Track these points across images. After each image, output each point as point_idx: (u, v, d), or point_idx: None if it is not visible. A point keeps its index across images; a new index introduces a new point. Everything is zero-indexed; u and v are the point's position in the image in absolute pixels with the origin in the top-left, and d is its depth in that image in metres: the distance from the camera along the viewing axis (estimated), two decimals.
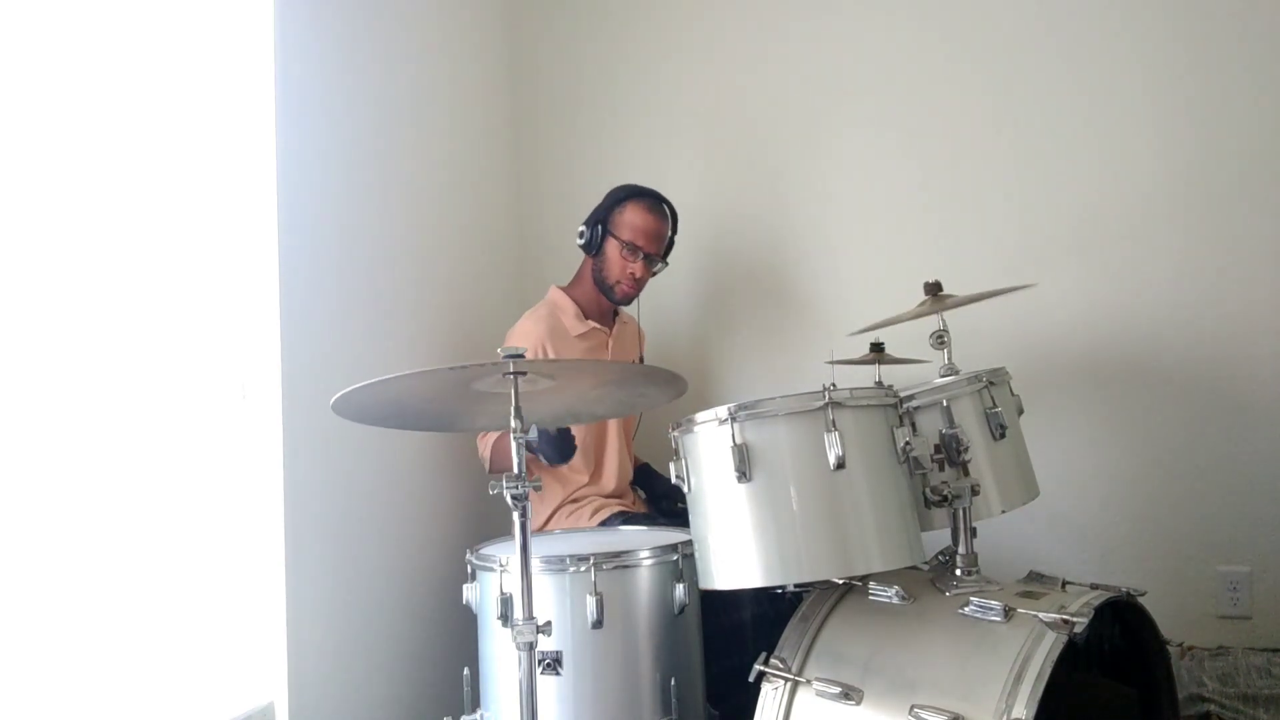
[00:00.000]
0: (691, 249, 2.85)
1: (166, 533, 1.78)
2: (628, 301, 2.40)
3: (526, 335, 2.26)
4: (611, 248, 2.32)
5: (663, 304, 2.88)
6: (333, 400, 1.43)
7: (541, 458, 2.03)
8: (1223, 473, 2.44)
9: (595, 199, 2.45)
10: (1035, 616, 1.45)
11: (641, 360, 2.52)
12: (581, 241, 2.34)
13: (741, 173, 2.84)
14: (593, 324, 2.38)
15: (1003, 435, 1.76)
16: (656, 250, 2.36)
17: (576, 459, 2.24)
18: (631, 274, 2.33)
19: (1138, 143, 2.51)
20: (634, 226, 2.31)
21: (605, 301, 2.41)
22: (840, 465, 1.49)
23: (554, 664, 1.64)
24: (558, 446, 1.99)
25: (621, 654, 1.69)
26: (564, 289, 2.42)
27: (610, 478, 2.38)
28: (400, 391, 1.47)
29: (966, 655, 1.46)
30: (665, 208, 2.38)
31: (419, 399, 1.57)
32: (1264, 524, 2.40)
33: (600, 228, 2.32)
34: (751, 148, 2.83)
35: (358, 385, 1.39)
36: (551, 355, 2.25)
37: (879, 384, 2.03)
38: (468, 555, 1.81)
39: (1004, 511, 1.77)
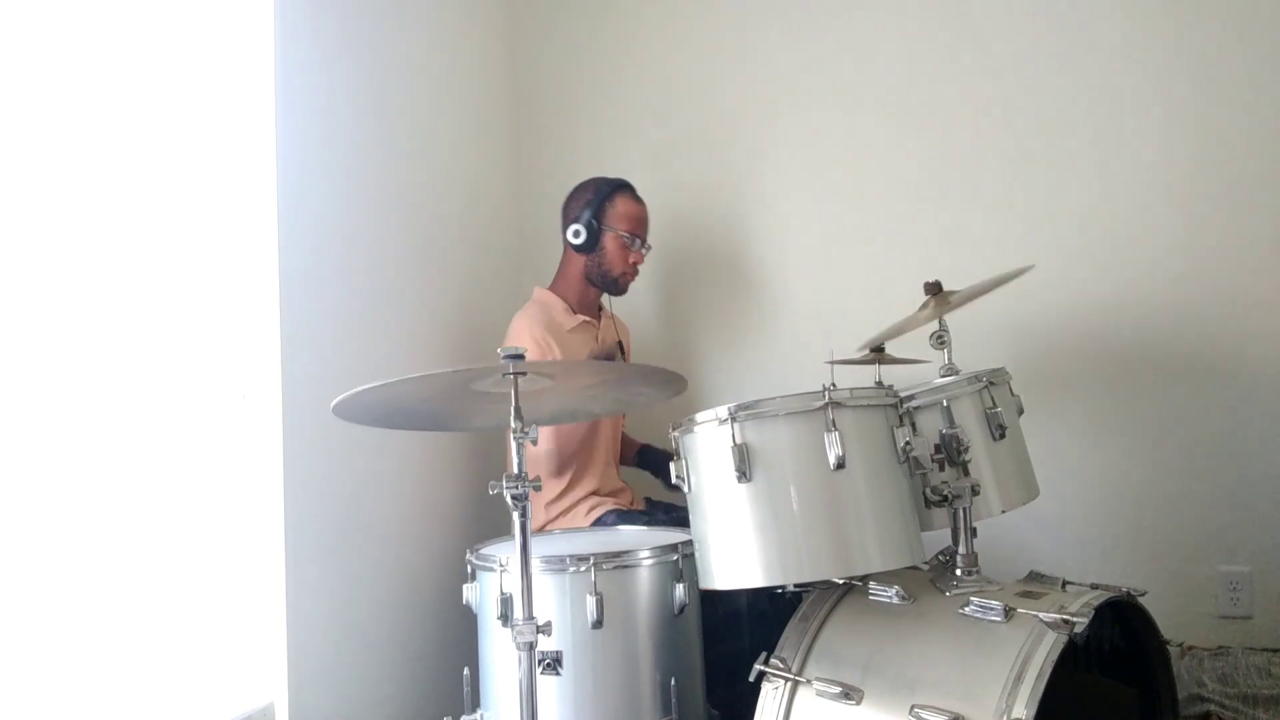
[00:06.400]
0: (690, 249, 2.85)
1: (167, 534, 1.78)
2: (626, 290, 2.45)
3: (522, 333, 2.28)
4: (611, 241, 2.35)
5: (662, 304, 2.89)
6: (333, 404, 1.43)
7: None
8: (1223, 473, 2.43)
9: None
10: (1035, 616, 1.45)
11: (622, 349, 2.53)
12: (579, 240, 2.34)
13: (740, 172, 2.84)
14: (582, 317, 2.41)
15: (1003, 435, 1.76)
16: (647, 235, 2.42)
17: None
18: (634, 263, 2.39)
19: (1136, 141, 2.51)
20: (630, 217, 2.37)
21: (592, 295, 2.44)
22: (840, 465, 1.49)
23: (554, 664, 1.64)
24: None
25: (621, 654, 1.69)
26: (549, 288, 2.43)
27: (598, 473, 2.38)
28: (400, 393, 1.47)
29: (966, 655, 1.46)
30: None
31: (419, 400, 1.57)
32: (1264, 524, 2.40)
33: (595, 223, 2.34)
34: (750, 147, 2.83)
35: (357, 390, 1.39)
36: (554, 347, 2.26)
37: (879, 384, 2.03)
38: (468, 555, 1.81)
39: (1004, 511, 1.77)
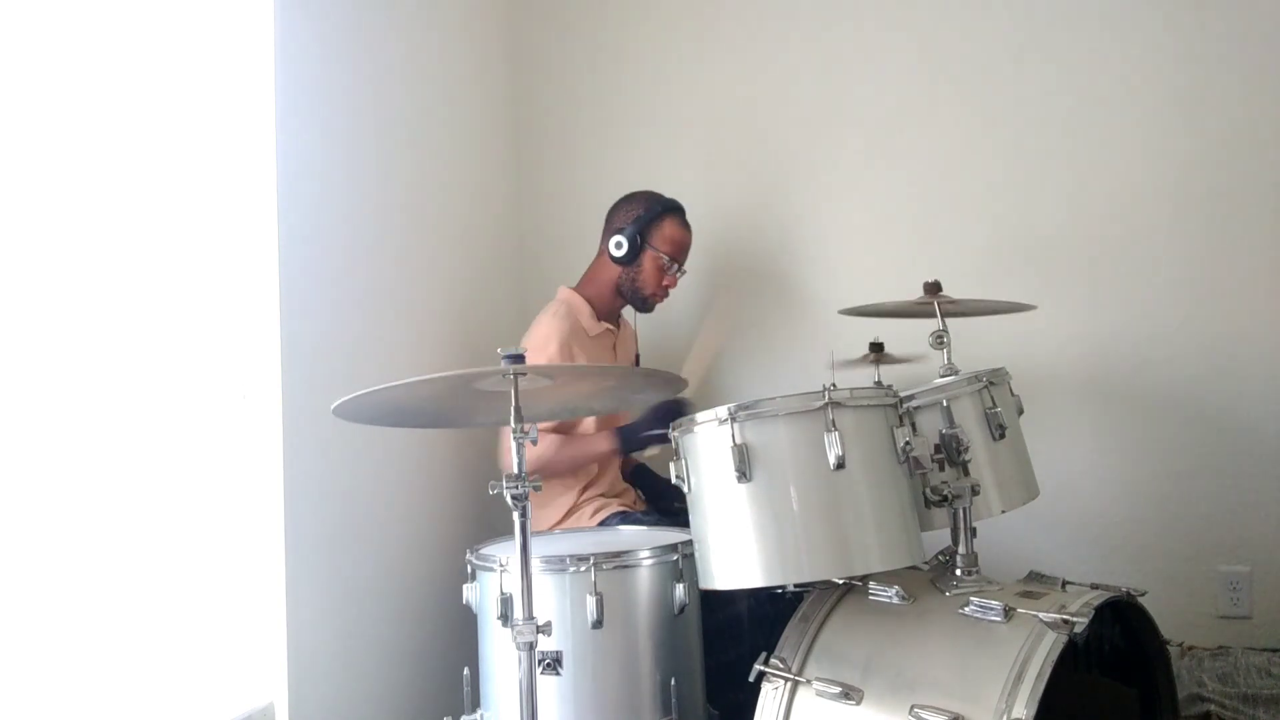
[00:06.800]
0: (692, 251, 2.85)
1: (167, 534, 1.78)
2: (653, 310, 2.47)
3: (550, 335, 2.27)
4: (650, 260, 2.36)
5: (663, 305, 2.88)
6: (334, 406, 1.43)
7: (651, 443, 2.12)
8: (1222, 473, 2.44)
9: (596, 200, 2.45)
10: (1035, 616, 1.45)
11: (638, 359, 2.54)
12: (620, 253, 2.34)
13: (741, 175, 2.84)
14: (605, 325, 2.41)
15: (1003, 435, 1.76)
16: (685, 260, 2.43)
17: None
18: (667, 286, 2.41)
19: (1136, 146, 2.51)
20: (674, 241, 2.38)
21: (617, 305, 2.45)
22: (840, 465, 1.49)
23: (554, 664, 1.64)
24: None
25: (621, 654, 1.69)
26: (575, 289, 2.43)
27: (608, 474, 2.39)
28: (401, 394, 1.47)
29: (966, 655, 1.46)
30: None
31: (420, 399, 1.57)
32: (1264, 524, 2.40)
33: (639, 239, 2.35)
34: (752, 150, 2.83)
35: (358, 393, 1.40)
36: (577, 354, 2.25)
37: (879, 384, 2.04)
38: (468, 555, 1.81)
39: (1004, 511, 1.77)
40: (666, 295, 2.43)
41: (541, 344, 2.24)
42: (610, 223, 2.41)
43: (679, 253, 2.39)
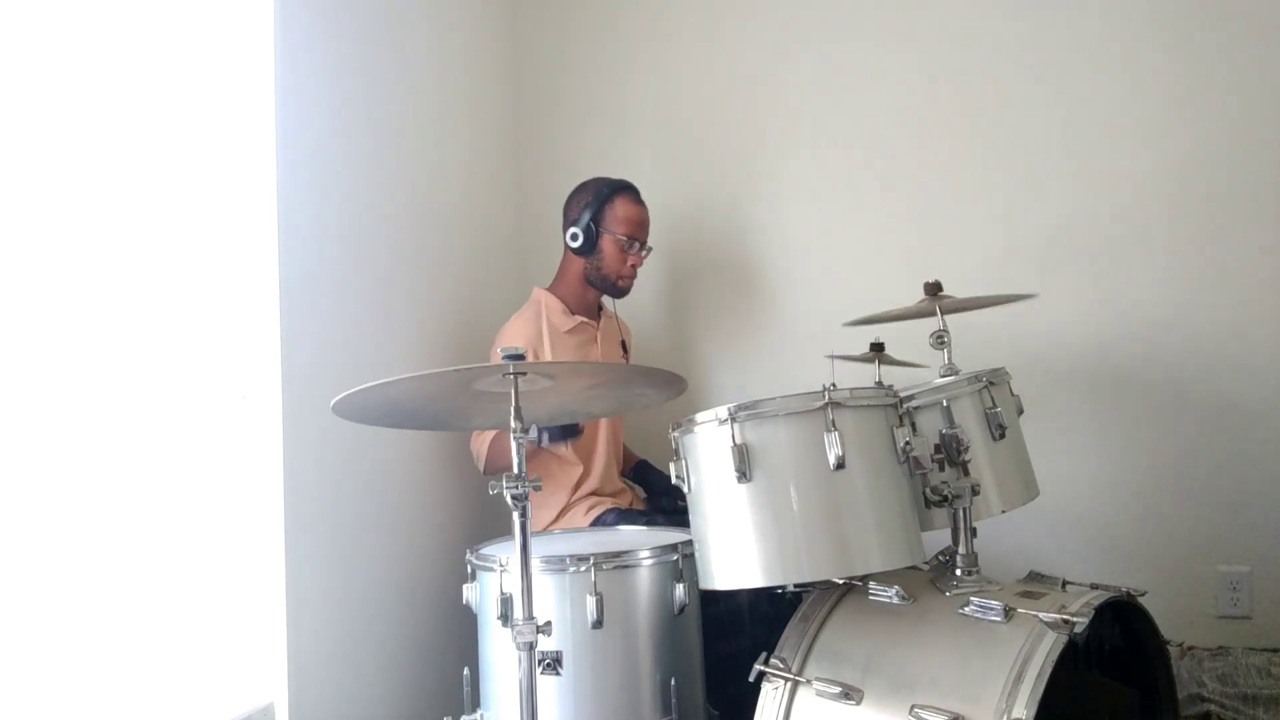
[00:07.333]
0: (690, 250, 2.85)
1: (167, 533, 1.79)
2: (628, 292, 2.44)
3: (516, 336, 2.28)
4: (609, 244, 2.35)
5: (664, 304, 2.88)
6: (333, 402, 1.43)
7: (545, 436, 2.04)
8: (1223, 473, 2.44)
9: None
10: (1035, 616, 1.45)
11: (625, 348, 2.54)
12: (577, 244, 2.35)
13: (740, 174, 2.84)
14: (580, 318, 2.41)
15: (1003, 435, 1.76)
16: (647, 238, 2.41)
17: (570, 453, 2.27)
18: (633, 266, 2.39)
19: (1135, 144, 2.51)
20: (629, 220, 2.36)
21: (591, 296, 2.44)
22: (840, 465, 1.49)
23: (554, 664, 1.64)
24: (565, 428, 2.01)
25: (621, 654, 1.69)
26: (548, 289, 2.44)
27: (598, 473, 2.38)
28: (400, 392, 1.48)
29: (966, 655, 1.46)
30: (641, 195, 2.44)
31: (419, 399, 1.57)
32: (1264, 524, 2.40)
33: (594, 227, 2.34)
34: (750, 149, 2.83)
35: (358, 388, 1.39)
36: (545, 354, 2.26)
37: (879, 384, 2.03)
38: (468, 555, 1.81)
39: (1004, 511, 1.77)
40: (634, 276, 2.41)
41: (504, 345, 2.24)
42: (565, 216, 2.41)
43: (637, 230, 2.37)
